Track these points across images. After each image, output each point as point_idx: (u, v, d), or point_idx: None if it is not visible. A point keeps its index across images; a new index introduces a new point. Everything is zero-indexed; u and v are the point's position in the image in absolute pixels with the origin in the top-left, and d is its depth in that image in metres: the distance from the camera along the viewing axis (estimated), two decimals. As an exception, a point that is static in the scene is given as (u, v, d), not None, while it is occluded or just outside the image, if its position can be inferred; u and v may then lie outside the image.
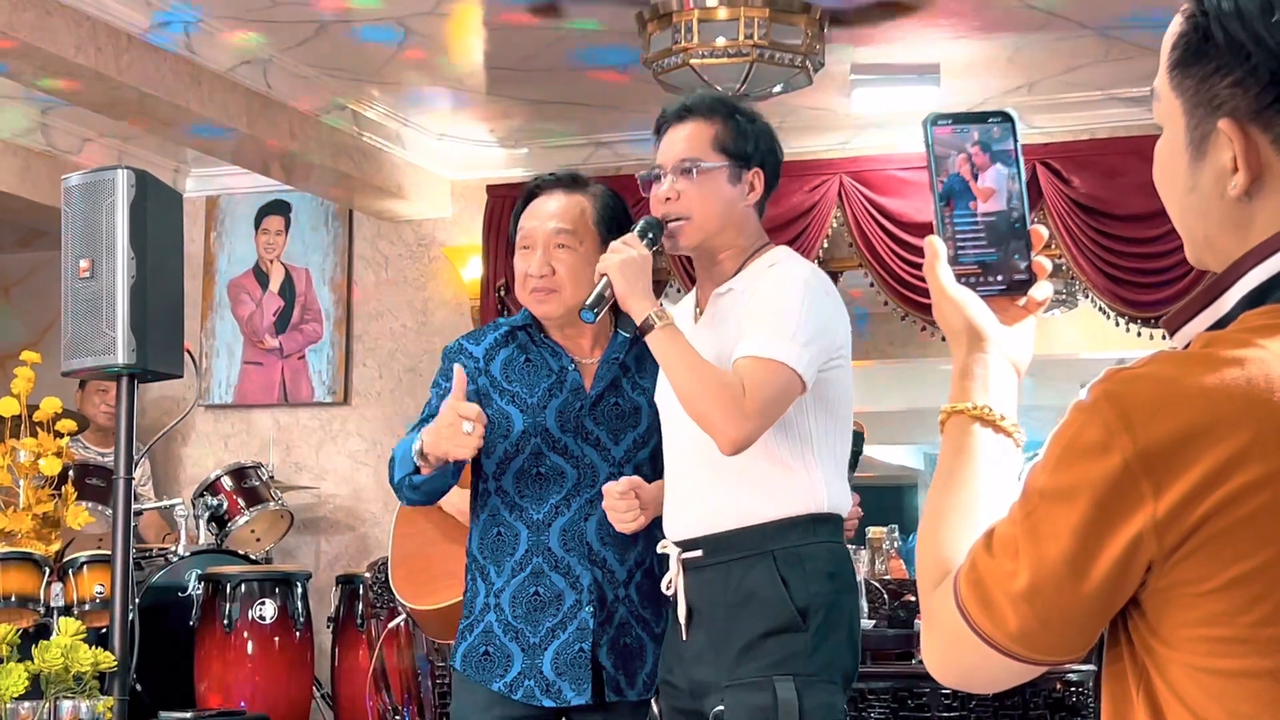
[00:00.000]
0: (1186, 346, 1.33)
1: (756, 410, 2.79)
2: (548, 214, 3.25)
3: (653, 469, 3.24)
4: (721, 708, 2.86)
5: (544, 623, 3.20)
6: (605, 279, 2.92)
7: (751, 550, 2.90)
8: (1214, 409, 1.23)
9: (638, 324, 2.90)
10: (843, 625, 2.92)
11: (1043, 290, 1.50)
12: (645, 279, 2.91)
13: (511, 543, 3.24)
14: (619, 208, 3.32)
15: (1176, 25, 1.38)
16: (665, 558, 3.05)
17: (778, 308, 2.88)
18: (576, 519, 3.21)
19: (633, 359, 3.31)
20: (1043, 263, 1.50)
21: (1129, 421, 1.24)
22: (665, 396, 3.07)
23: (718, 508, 2.94)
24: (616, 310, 3.26)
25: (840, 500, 2.97)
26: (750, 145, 3.04)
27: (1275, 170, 1.33)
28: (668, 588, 3.01)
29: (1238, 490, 1.22)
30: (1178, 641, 1.28)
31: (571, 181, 3.30)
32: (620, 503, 3.06)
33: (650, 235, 2.98)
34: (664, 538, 3.07)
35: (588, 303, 2.93)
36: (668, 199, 3.01)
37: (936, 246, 1.49)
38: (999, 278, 1.49)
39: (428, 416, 3.21)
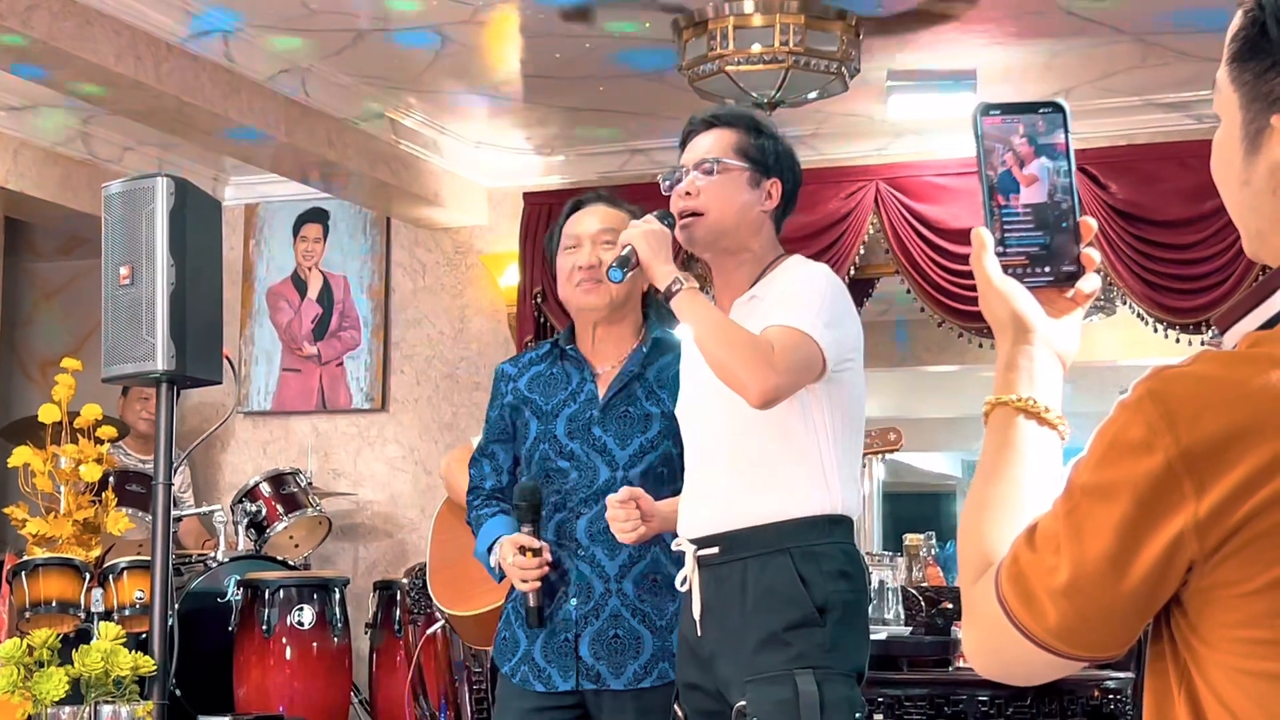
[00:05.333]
0: (1235, 345, 1.32)
1: (785, 367, 2.85)
2: (592, 219, 3.51)
3: (663, 473, 3.37)
4: (744, 703, 2.89)
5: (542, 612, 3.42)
6: (629, 247, 3.04)
7: (768, 548, 2.95)
8: (1258, 410, 1.23)
9: (661, 289, 3.00)
10: (858, 623, 2.98)
11: (1090, 282, 1.49)
12: (667, 249, 3.04)
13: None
14: None
15: (1237, 19, 1.37)
16: (679, 554, 3.10)
17: (803, 290, 2.99)
18: (570, 516, 3.40)
19: (653, 371, 3.47)
20: (1091, 254, 1.48)
21: (1172, 421, 1.24)
22: (686, 395, 3.17)
23: (735, 506, 2.99)
24: (646, 312, 3.54)
25: (853, 503, 3.03)
26: (771, 157, 3.15)
27: None
28: (682, 584, 3.06)
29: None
30: (1218, 642, 1.28)
31: (612, 200, 3.59)
32: (619, 511, 3.14)
33: (667, 222, 3.10)
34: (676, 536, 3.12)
35: (614, 262, 3.05)
36: (687, 193, 3.10)
37: (984, 237, 1.47)
38: (1046, 269, 1.47)
39: (490, 440, 3.57)
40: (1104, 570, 1.27)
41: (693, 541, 3.04)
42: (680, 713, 3.13)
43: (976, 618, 1.36)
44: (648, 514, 3.15)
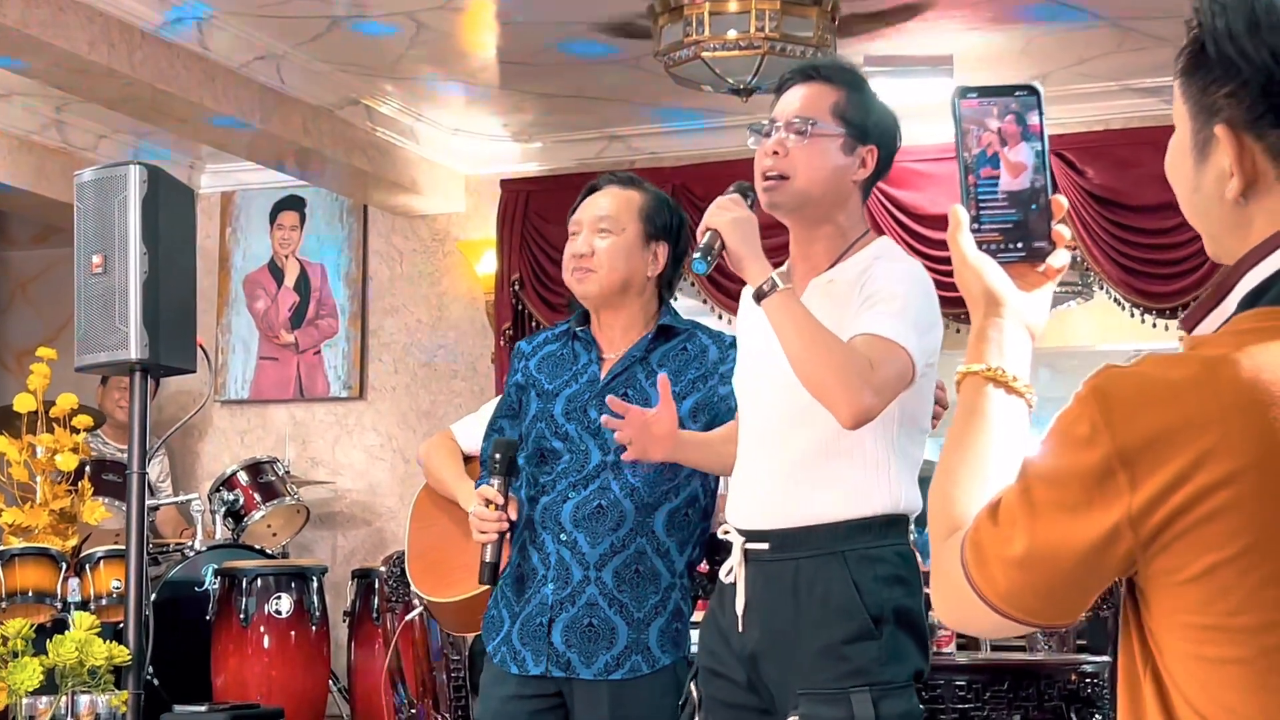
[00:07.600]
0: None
1: (881, 385, 2.67)
2: (597, 205, 3.43)
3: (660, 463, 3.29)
4: (796, 718, 2.78)
5: (523, 594, 3.41)
6: (711, 234, 2.77)
7: (822, 549, 2.81)
8: (1186, 410, 1.32)
9: (753, 287, 2.75)
10: (915, 626, 2.84)
11: (1060, 258, 1.57)
12: (758, 240, 2.77)
13: (524, 515, 3.46)
14: (670, 209, 3.45)
15: (1186, 34, 1.46)
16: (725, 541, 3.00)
17: (898, 293, 2.78)
18: (556, 500, 3.37)
19: (656, 356, 3.41)
20: (1061, 231, 1.57)
21: (1110, 419, 1.34)
22: (746, 375, 3.01)
23: (791, 503, 2.85)
24: (663, 298, 3.47)
25: (913, 502, 2.88)
26: (871, 121, 2.96)
27: (1269, 176, 1.42)
28: (727, 575, 2.94)
29: (1204, 487, 1.31)
30: (1170, 628, 1.37)
31: (628, 180, 3.48)
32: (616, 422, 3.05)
33: (750, 198, 2.86)
34: (724, 521, 3.01)
35: (696, 254, 2.79)
36: (775, 152, 2.87)
37: (959, 215, 1.56)
38: (1019, 245, 1.56)
39: (499, 415, 3.56)
40: (1048, 550, 1.37)
41: (741, 533, 2.92)
42: (695, 694, 3.02)
43: (942, 575, 1.46)
44: (657, 437, 3.00)
